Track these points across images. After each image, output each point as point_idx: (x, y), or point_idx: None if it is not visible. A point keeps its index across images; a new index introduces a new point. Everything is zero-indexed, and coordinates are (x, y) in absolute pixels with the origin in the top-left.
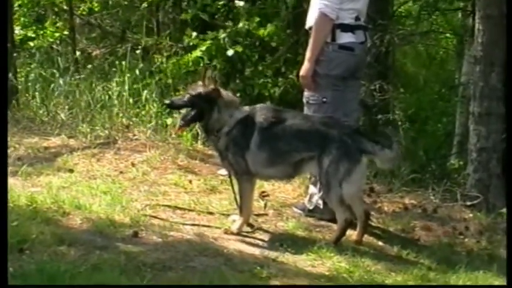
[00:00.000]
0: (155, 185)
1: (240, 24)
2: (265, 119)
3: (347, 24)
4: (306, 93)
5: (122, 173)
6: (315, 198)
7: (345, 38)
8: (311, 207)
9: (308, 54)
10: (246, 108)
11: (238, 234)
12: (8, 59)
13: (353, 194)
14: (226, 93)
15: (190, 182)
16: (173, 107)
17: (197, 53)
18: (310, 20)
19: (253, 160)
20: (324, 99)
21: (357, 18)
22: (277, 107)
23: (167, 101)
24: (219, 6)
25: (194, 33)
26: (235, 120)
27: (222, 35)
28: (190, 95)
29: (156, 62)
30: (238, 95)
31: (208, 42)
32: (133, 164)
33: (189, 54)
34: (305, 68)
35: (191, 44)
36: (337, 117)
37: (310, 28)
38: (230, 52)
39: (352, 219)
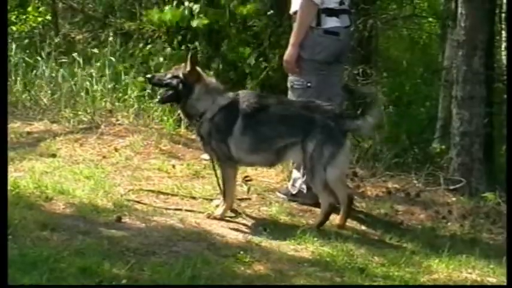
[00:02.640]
0: (138, 170)
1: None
2: (249, 105)
3: (332, 9)
4: (290, 78)
5: (104, 158)
6: (299, 182)
7: (330, 22)
8: (294, 192)
9: (292, 39)
10: (230, 94)
11: (221, 219)
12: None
13: (337, 177)
14: (208, 79)
15: (173, 166)
16: (152, 82)
17: (164, 15)
18: (295, 4)
19: (236, 146)
20: (309, 84)
21: (341, 3)
22: (261, 93)
23: (148, 76)
24: None
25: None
26: (218, 106)
27: (191, 4)
28: (171, 74)
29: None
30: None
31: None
32: (116, 149)
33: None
34: (289, 53)
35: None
36: (319, 101)
37: (295, 13)
38: (195, 23)
39: (336, 204)
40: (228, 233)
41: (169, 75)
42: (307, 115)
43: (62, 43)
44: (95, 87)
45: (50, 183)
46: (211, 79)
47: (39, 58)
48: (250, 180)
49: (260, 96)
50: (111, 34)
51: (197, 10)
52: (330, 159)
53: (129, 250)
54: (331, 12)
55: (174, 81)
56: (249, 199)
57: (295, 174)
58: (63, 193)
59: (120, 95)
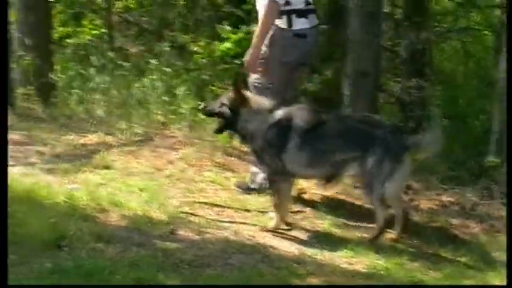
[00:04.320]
0: (192, 182)
1: None
2: (304, 121)
3: (300, 10)
4: (252, 77)
5: (159, 170)
6: (260, 177)
7: (299, 24)
8: (256, 187)
9: (255, 39)
10: (281, 111)
11: (274, 231)
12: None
13: (395, 193)
14: (255, 100)
15: (227, 179)
16: (205, 114)
17: (227, 44)
18: (260, 9)
19: (291, 161)
20: (270, 84)
21: (307, 2)
22: (315, 108)
23: (201, 107)
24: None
25: (228, 27)
26: (268, 124)
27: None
28: (219, 103)
29: (192, 59)
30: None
31: (240, 35)
32: (170, 161)
33: (219, 44)
34: (252, 54)
35: (224, 37)
36: (378, 116)
37: None
38: None
39: (391, 219)
40: (282, 245)
41: (218, 104)
42: (366, 130)
43: (116, 56)
44: (149, 99)
45: (105, 195)
46: (260, 99)
47: (93, 70)
48: (304, 193)
49: (314, 110)
50: (165, 47)
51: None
52: (389, 175)
53: (184, 262)
54: (300, 13)
55: (223, 109)
56: (303, 212)
57: (253, 169)
58: (117, 205)
59: (174, 107)
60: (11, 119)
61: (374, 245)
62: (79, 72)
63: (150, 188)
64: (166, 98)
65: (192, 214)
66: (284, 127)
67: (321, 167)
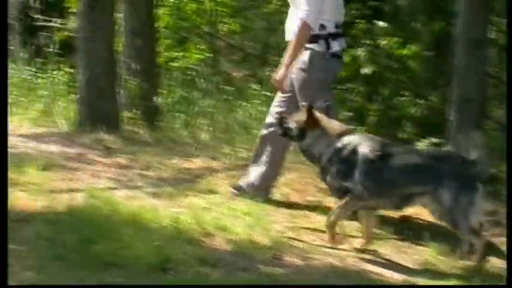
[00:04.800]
0: (295, 207)
1: (383, 42)
2: (372, 151)
3: (332, 33)
4: (278, 95)
5: None
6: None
7: (335, 46)
8: (243, 186)
9: (287, 60)
10: (349, 137)
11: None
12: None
13: (478, 220)
14: (325, 124)
15: (330, 204)
16: (278, 123)
17: None
18: (291, 32)
19: (357, 190)
20: (304, 103)
21: (337, 26)
22: (383, 139)
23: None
24: (359, 26)
25: None
26: (334, 149)
27: (359, 52)
28: (292, 120)
29: None
30: (376, 117)
31: (346, 59)
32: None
33: None
34: (282, 73)
35: None
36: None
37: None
38: (365, 70)
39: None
40: (386, 272)
41: (291, 121)
42: (435, 165)
43: (220, 80)
44: (252, 124)
45: (210, 219)
46: (331, 124)
47: (198, 94)
48: (408, 219)
49: (383, 142)
50: (269, 72)
51: (362, 57)
52: (470, 206)
53: None
54: (333, 37)
55: (291, 126)
56: (407, 239)
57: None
58: (222, 229)
59: None
60: (117, 143)
61: (479, 273)
62: (183, 96)
63: (254, 213)
64: None
65: (296, 239)
66: (350, 154)
67: (387, 198)
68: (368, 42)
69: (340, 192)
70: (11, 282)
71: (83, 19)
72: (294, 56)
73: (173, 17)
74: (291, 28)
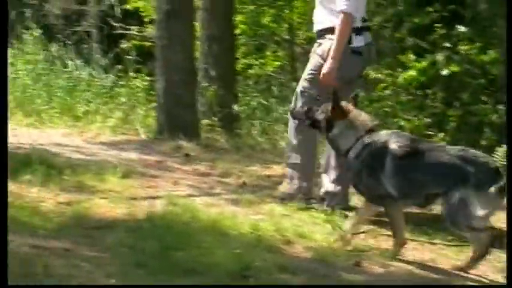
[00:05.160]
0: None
1: (463, 47)
2: (400, 147)
3: (357, 27)
4: (304, 85)
5: None
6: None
7: (356, 41)
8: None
9: (334, 53)
10: (379, 133)
11: (393, 258)
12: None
13: (484, 223)
14: (356, 116)
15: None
16: (293, 116)
17: (411, 72)
18: (322, 22)
19: (388, 186)
20: (318, 97)
21: (364, 20)
22: (414, 136)
23: (290, 108)
24: (438, 32)
25: (412, 56)
26: (363, 144)
27: (439, 56)
28: (320, 110)
29: (376, 88)
30: (455, 123)
31: (424, 63)
32: (352, 193)
33: (404, 72)
34: (330, 67)
35: (409, 65)
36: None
37: (321, 30)
38: (445, 72)
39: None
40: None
41: (319, 110)
42: (461, 166)
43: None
44: None
45: (290, 227)
46: (360, 115)
47: (275, 101)
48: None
49: (413, 139)
50: None
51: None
52: (473, 210)
53: None
54: (357, 31)
55: (319, 117)
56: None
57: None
58: (302, 236)
59: None
60: (196, 150)
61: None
62: (261, 103)
63: (334, 220)
64: None
65: (375, 248)
66: (379, 149)
67: (414, 197)
68: (448, 45)
69: (378, 196)
70: None
71: (161, 27)
72: (340, 48)
73: (250, 24)
74: (320, 20)
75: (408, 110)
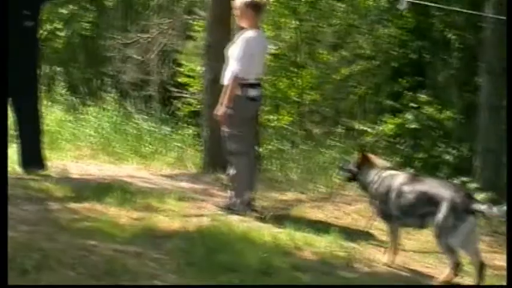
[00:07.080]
0: (364, 229)
1: (426, 108)
2: (402, 179)
3: (252, 83)
4: (225, 130)
5: (337, 219)
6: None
7: (252, 92)
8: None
9: (225, 101)
10: (391, 171)
11: (389, 262)
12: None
13: (459, 245)
14: (375, 160)
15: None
16: (341, 170)
17: (390, 126)
18: (226, 77)
19: (392, 209)
20: (240, 133)
21: (257, 79)
22: (415, 173)
23: (340, 165)
24: (407, 97)
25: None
26: (381, 178)
27: (407, 115)
28: (352, 163)
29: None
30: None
31: (397, 120)
32: (346, 213)
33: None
34: (222, 110)
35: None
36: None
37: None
38: (412, 126)
39: (460, 263)
40: None
41: (350, 164)
42: (441, 191)
43: (305, 136)
44: (329, 167)
45: (301, 237)
46: (379, 161)
47: (289, 146)
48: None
49: (412, 174)
50: (340, 129)
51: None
52: (452, 230)
53: None
54: (252, 86)
55: (352, 167)
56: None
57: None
58: (309, 244)
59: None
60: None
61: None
62: (278, 147)
63: (333, 232)
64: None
65: (363, 252)
66: (387, 181)
67: (410, 216)
68: (414, 105)
69: (381, 213)
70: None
71: (207, 92)
72: (230, 99)
73: (270, 90)
74: (226, 75)
75: (385, 153)
